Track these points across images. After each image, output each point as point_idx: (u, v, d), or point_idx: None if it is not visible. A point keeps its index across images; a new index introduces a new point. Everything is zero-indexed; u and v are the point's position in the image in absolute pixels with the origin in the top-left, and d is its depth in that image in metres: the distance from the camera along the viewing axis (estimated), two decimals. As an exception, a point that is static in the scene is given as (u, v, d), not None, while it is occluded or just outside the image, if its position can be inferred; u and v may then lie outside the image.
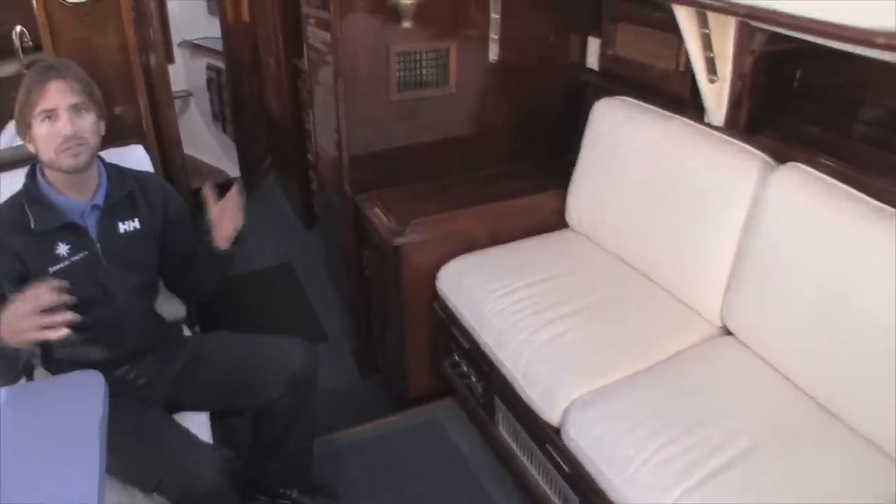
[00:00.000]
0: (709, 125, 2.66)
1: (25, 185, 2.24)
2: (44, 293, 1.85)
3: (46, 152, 2.15)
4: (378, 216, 3.12)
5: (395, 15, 2.97)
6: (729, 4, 1.81)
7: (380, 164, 3.32)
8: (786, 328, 2.25)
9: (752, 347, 2.39)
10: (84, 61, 2.61)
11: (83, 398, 1.77)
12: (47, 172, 2.22)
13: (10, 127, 4.42)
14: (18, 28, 3.02)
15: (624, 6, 3.05)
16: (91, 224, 2.28)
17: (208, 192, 2.43)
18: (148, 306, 2.48)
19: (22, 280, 2.15)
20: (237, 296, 4.43)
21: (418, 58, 3.18)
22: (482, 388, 2.86)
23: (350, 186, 3.32)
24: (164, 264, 2.51)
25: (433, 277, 3.07)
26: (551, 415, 2.33)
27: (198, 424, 2.40)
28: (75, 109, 2.14)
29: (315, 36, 3.44)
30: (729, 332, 2.50)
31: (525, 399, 2.46)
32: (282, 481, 2.70)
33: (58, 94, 2.11)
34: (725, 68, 2.51)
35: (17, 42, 3.23)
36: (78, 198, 2.26)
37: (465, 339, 2.88)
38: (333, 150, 3.42)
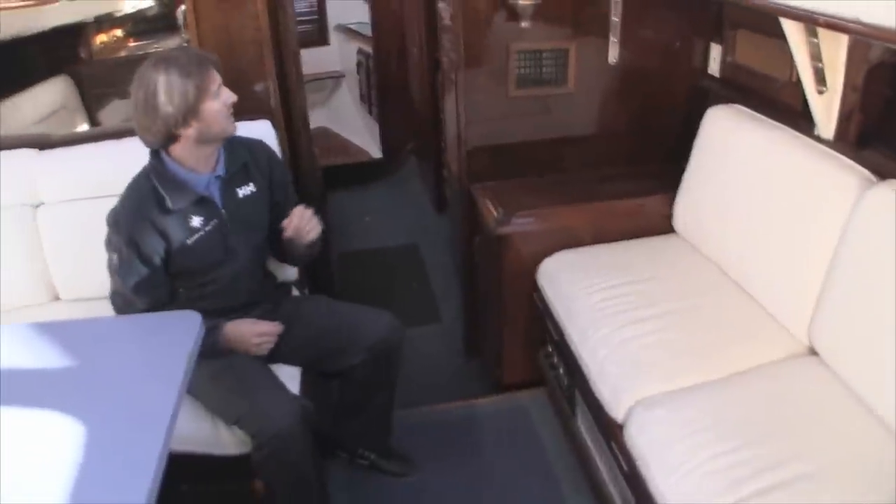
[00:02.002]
0: (818, 138, 2.60)
1: (152, 166, 2.45)
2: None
3: (218, 124, 2.39)
4: (487, 205, 3.23)
5: (516, 14, 3.09)
6: (803, 12, 1.78)
7: (496, 156, 3.44)
8: (872, 354, 2.14)
9: (836, 370, 2.29)
10: (222, 42, 2.97)
11: (180, 333, 2.01)
12: (177, 150, 2.42)
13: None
14: (183, 7, 3.26)
15: (744, 13, 3.00)
16: (215, 194, 2.52)
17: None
18: (262, 262, 2.75)
19: (164, 252, 2.45)
20: (361, 269, 4.73)
21: (538, 56, 3.27)
22: (568, 380, 2.94)
23: (466, 176, 3.47)
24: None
25: (535, 269, 3.16)
26: (617, 412, 2.38)
27: (289, 376, 2.60)
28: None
29: (445, 30, 3.58)
30: (815, 353, 2.43)
31: (596, 393, 2.52)
32: (362, 443, 2.92)
33: (216, 74, 2.37)
34: (836, 79, 2.44)
35: (181, 20, 3.53)
36: (203, 171, 2.49)
37: (555, 332, 2.97)
38: (454, 140, 3.56)
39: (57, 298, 3.09)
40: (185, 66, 2.31)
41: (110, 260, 2.45)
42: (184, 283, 2.56)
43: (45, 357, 1.96)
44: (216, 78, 2.37)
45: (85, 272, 2.94)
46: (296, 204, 2.63)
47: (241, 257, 2.59)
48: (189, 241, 2.46)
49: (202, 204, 2.48)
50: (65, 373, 1.91)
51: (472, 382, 3.63)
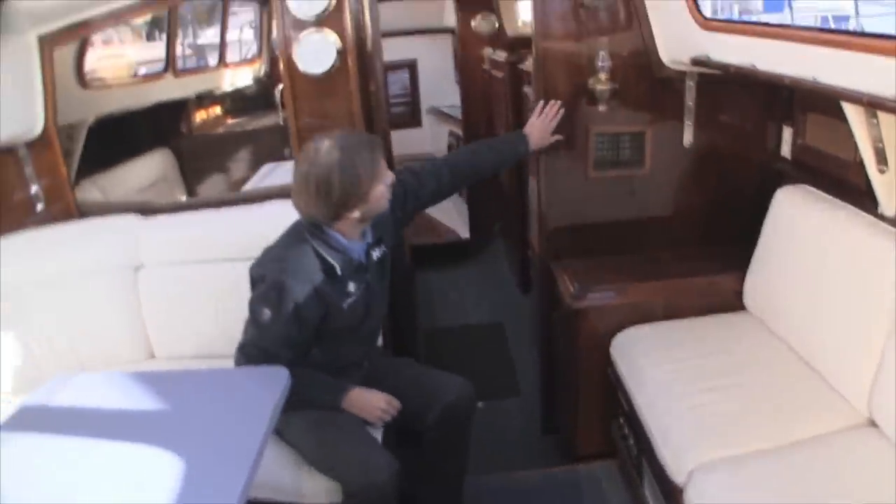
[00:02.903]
0: (881, 216, 2.66)
1: (313, 234, 2.59)
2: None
3: (380, 204, 2.59)
4: (565, 281, 3.37)
5: (594, 98, 3.28)
6: (851, 93, 1.87)
7: (574, 235, 3.58)
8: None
9: (894, 441, 2.34)
10: (317, 121, 3.25)
11: (268, 386, 2.18)
12: (339, 225, 2.58)
13: (265, 167, 5.20)
14: (281, 86, 3.51)
15: (813, 96, 3.07)
16: (364, 259, 2.70)
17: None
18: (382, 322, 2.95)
19: (322, 315, 2.61)
20: (445, 345, 4.87)
21: (616, 139, 3.42)
22: (636, 450, 3.01)
23: (546, 253, 3.63)
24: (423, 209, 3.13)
25: (609, 343, 3.26)
26: (678, 475, 2.45)
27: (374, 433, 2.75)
28: None
29: (531, 112, 3.77)
30: (875, 424, 2.47)
31: (660, 458, 2.60)
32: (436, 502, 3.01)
33: (382, 157, 2.58)
34: (897, 159, 2.51)
35: (278, 98, 3.81)
36: (358, 239, 2.68)
37: (626, 403, 3.06)
38: (536, 219, 3.75)
39: (152, 356, 3.33)
40: (359, 150, 2.49)
41: (259, 314, 2.54)
42: (324, 343, 2.69)
43: (143, 402, 2.15)
44: (383, 161, 2.56)
45: (179, 332, 3.22)
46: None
47: (374, 317, 2.79)
48: (344, 305, 2.62)
49: (356, 269, 2.65)
50: (162, 416, 2.11)
51: (546, 455, 3.70)
